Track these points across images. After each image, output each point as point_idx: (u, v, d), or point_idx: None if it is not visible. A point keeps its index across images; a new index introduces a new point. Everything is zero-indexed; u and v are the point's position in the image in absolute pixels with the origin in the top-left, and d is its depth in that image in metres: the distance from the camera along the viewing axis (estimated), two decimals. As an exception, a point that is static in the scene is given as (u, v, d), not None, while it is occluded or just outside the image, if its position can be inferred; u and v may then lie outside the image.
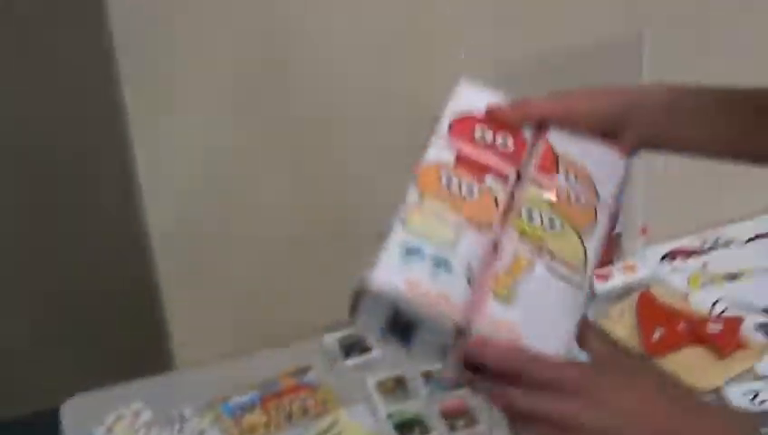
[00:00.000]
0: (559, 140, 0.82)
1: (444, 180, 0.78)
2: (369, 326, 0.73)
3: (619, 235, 1.40)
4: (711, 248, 1.47)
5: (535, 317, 0.72)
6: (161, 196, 1.17)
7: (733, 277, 1.39)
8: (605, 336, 0.75)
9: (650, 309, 1.32)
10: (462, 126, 0.82)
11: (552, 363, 0.70)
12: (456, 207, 0.76)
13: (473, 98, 0.84)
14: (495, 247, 0.75)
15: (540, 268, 0.74)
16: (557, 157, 0.81)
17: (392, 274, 0.71)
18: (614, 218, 0.79)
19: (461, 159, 0.80)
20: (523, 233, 0.76)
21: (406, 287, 0.70)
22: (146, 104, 1.13)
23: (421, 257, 0.72)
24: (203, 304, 1.23)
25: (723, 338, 1.24)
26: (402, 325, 0.72)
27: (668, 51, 1.27)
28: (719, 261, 1.43)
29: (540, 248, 0.75)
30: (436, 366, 1.22)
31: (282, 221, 1.24)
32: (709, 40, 1.34)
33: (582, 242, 0.76)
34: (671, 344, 1.26)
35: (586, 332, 0.73)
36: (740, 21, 1.37)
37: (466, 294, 0.72)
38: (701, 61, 1.25)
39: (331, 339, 1.29)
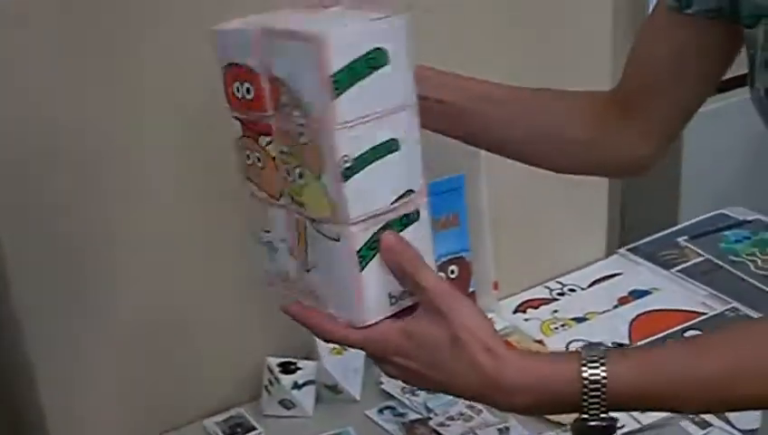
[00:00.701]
0: (278, 61, 0.69)
1: (247, 156, 0.75)
2: None
3: (473, 292, 1.49)
4: (558, 296, 1.58)
5: (327, 280, 0.74)
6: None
7: (581, 319, 1.50)
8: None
9: (511, 357, 1.41)
10: (228, 86, 0.74)
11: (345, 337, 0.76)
12: (258, 183, 0.75)
13: (226, 44, 0.74)
14: None
15: (310, 230, 0.73)
16: (278, 84, 0.69)
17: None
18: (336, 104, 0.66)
19: (244, 127, 0.74)
20: (291, 194, 0.73)
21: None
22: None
23: (263, 244, 0.78)
24: (82, 396, 1.22)
25: (580, 374, 1.34)
26: None
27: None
28: (567, 306, 1.54)
29: (301, 208, 0.73)
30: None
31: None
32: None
33: (324, 186, 0.69)
34: (535, 386, 1.34)
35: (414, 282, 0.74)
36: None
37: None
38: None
39: (212, 422, 1.30)
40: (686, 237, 1.71)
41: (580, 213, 1.62)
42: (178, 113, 1.16)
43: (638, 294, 1.55)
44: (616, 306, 1.52)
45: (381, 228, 0.71)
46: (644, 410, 0.83)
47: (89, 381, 1.21)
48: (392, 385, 1.33)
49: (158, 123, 1.16)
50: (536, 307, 1.55)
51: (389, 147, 0.69)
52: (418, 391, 1.32)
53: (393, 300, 0.73)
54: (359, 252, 0.70)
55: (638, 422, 1.23)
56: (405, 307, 0.75)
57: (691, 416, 1.24)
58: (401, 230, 0.73)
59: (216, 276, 1.26)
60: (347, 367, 1.32)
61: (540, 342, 1.45)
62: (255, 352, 1.33)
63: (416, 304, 0.75)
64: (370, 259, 0.70)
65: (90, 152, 1.13)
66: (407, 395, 1.32)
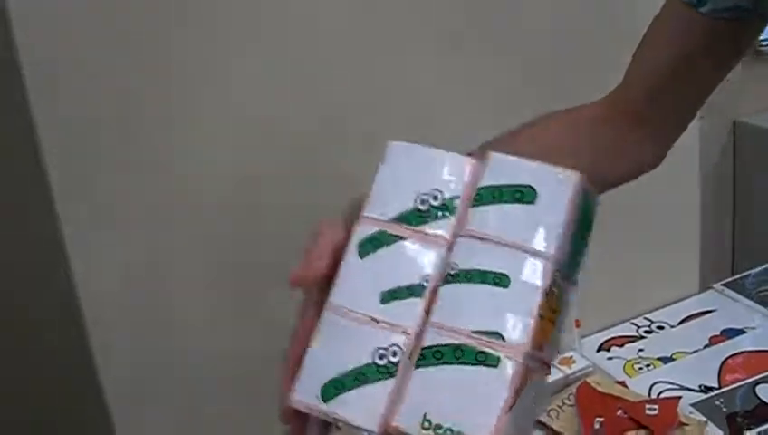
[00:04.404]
0: None
1: None
2: None
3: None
4: (645, 334, 1.50)
5: None
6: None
7: (668, 359, 1.42)
8: None
9: (589, 399, 1.34)
10: None
11: None
12: None
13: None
14: None
15: None
16: None
17: None
18: None
19: None
20: None
21: None
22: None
23: None
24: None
25: (660, 420, 1.26)
26: None
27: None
28: (653, 345, 1.46)
29: None
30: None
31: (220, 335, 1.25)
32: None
33: None
34: (612, 432, 1.27)
35: None
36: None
37: None
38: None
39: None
40: (789, 272, 1.61)
41: (671, 245, 1.54)
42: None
43: (731, 334, 1.45)
44: (707, 346, 1.43)
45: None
46: None
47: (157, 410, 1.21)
48: None
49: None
50: (621, 345, 1.47)
51: (495, 279, 0.59)
52: None
53: None
54: None
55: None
56: None
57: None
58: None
59: (278, 332, 1.23)
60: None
61: (622, 383, 1.37)
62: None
63: None
64: None
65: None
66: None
